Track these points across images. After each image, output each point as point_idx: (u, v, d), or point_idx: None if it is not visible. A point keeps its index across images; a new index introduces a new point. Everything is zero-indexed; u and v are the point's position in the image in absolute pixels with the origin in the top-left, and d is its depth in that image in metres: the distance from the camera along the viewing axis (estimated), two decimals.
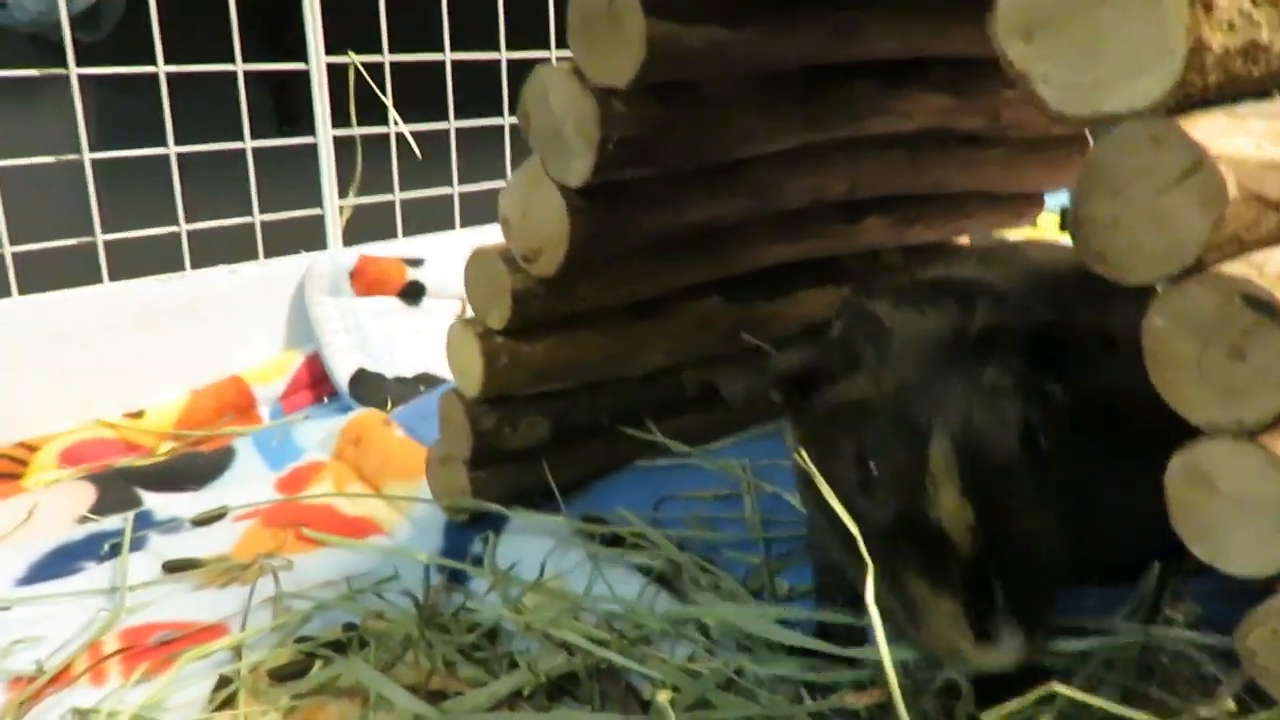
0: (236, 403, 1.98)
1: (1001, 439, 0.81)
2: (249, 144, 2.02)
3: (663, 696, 0.93)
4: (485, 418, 1.32)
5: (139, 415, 1.90)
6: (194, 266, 1.99)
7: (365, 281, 2.15)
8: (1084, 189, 0.72)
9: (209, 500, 1.60)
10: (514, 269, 1.23)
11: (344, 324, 2.06)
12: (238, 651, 1.18)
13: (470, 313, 1.31)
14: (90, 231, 1.87)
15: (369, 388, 1.98)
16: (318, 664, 1.14)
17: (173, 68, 1.88)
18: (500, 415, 1.33)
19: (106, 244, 1.89)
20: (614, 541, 1.29)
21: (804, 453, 0.91)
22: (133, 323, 1.93)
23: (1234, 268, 0.68)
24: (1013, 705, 0.78)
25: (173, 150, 1.92)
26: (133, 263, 1.94)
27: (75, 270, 1.89)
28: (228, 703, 1.10)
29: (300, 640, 1.19)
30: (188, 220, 1.96)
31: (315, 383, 2.07)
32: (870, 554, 0.82)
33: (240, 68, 1.97)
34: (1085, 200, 0.73)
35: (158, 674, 1.14)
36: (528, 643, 1.16)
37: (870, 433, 0.85)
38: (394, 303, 2.18)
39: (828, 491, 0.85)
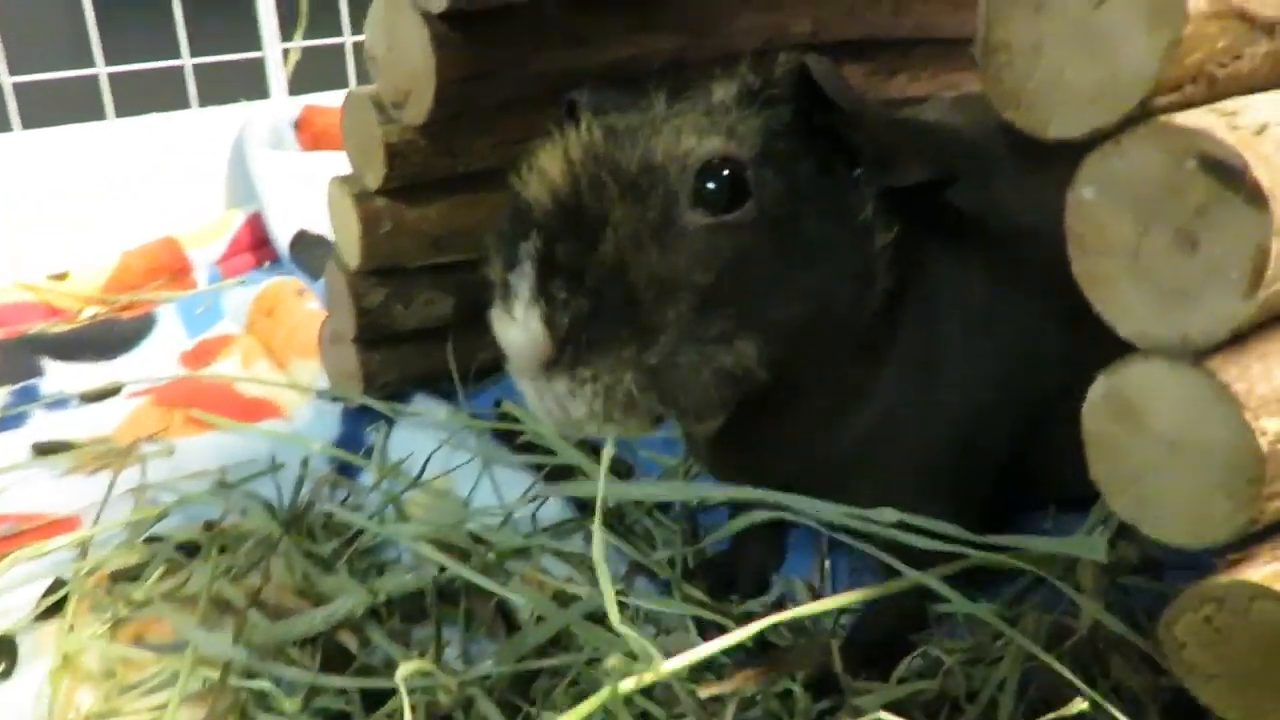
0: (170, 266, 1.83)
1: (666, 155, 0.69)
2: None
3: None
4: (371, 292, 1.15)
5: (63, 277, 1.77)
6: (118, 115, 1.82)
7: (311, 134, 1.96)
8: (998, 3, 0.52)
9: (114, 372, 1.48)
10: (386, 118, 1.04)
11: (286, 181, 1.88)
12: (84, 550, 1.06)
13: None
14: None
15: (311, 251, 1.80)
16: (158, 570, 1.01)
17: None
18: (389, 290, 1.16)
19: (16, 86, 1.72)
20: (512, 435, 1.14)
21: None
22: (53, 174, 1.78)
23: (1193, 117, 0.48)
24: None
25: None
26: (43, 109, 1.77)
27: None
28: (58, 608, 0.99)
29: (151, 541, 1.06)
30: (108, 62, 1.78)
31: (258, 245, 1.91)
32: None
33: None
34: (1000, 19, 0.52)
35: None
36: (401, 549, 1.03)
37: None
38: (342, 158, 1.98)
39: None
